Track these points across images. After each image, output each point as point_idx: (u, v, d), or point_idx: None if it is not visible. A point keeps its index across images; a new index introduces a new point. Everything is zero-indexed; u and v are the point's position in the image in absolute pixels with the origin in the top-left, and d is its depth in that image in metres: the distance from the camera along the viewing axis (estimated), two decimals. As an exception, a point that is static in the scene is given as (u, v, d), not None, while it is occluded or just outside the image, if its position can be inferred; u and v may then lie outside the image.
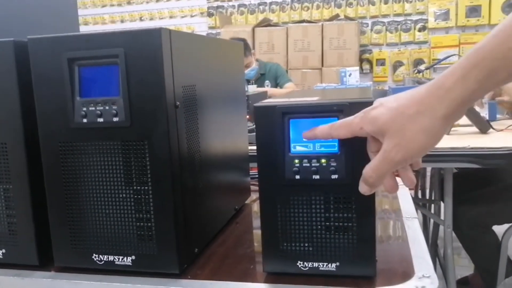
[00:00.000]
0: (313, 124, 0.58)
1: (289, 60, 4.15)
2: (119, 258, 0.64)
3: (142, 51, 0.59)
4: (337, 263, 0.60)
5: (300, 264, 0.61)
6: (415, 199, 2.34)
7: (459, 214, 1.72)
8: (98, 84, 0.62)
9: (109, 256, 0.65)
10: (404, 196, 1.00)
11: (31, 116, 0.64)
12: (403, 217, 0.86)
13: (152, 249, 0.63)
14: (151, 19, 4.97)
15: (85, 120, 0.62)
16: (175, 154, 0.62)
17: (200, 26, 4.85)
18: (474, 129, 1.66)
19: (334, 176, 0.58)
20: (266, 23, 4.31)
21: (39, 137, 0.64)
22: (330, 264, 0.60)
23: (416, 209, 1.44)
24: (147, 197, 0.62)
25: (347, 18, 4.28)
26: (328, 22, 4.16)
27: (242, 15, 4.73)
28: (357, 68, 2.77)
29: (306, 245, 0.60)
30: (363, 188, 0.55)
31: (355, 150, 0.57)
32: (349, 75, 2.60)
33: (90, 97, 0.62)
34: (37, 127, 0.64)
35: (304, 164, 0.59)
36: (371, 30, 4.42)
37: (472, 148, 1.39)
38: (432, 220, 2.31)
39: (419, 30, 4.29)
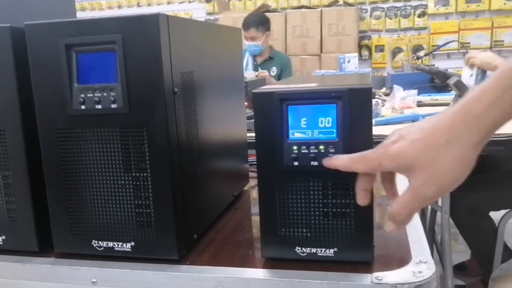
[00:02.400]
0: (312, 111, 0.58)
1: (288, 46, 4.13)
2: (118, 244, 0.65)
3: (140, 37, 0.59)
4: (335, 249, 0.60)
5: (298, 249, 0.62)
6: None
7: (456, 200, 1.72)
8: (96, 71, 0.62)
9: (109, 242, 0.65)
10: (402, 182, 1.00)
11: (29, 102, 0.64)
12: (401, 203, 0.86)
13: (151, 235, 0.63)
14: (149, 5, 4.92)
15: (83, 107, 0.62)
16: (173, 140, 0.62)
17: (198, 12, 4.81)
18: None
19: (332, 163, 0.58)
20: (264, 9, 4.27)
21: (37, 124, 0.64)
22: (328, 250, 0.61)
23: (414, 196, 1.43)
24: (146, 183, 0.62)
25: (346, 3, 4.24)
26: (327, 8, 4.13)
27: (241, 1, 4.69)
28: (356, 54, 2.76)
29: (304, 231, 0.61)
30: (390, 227, 0.52)
31: (353, 137, 0.57)
32: (348, 62, 2.59)
33: (88, 83, 0.62)
34: (35, 114, 0.64)
35: (302, 151, 0.59)
36: (370, 16, 4.39)
37: (470, 135, 1.39)
38: (429, 206, 2.33)
39: (419, 16, 4.26)
